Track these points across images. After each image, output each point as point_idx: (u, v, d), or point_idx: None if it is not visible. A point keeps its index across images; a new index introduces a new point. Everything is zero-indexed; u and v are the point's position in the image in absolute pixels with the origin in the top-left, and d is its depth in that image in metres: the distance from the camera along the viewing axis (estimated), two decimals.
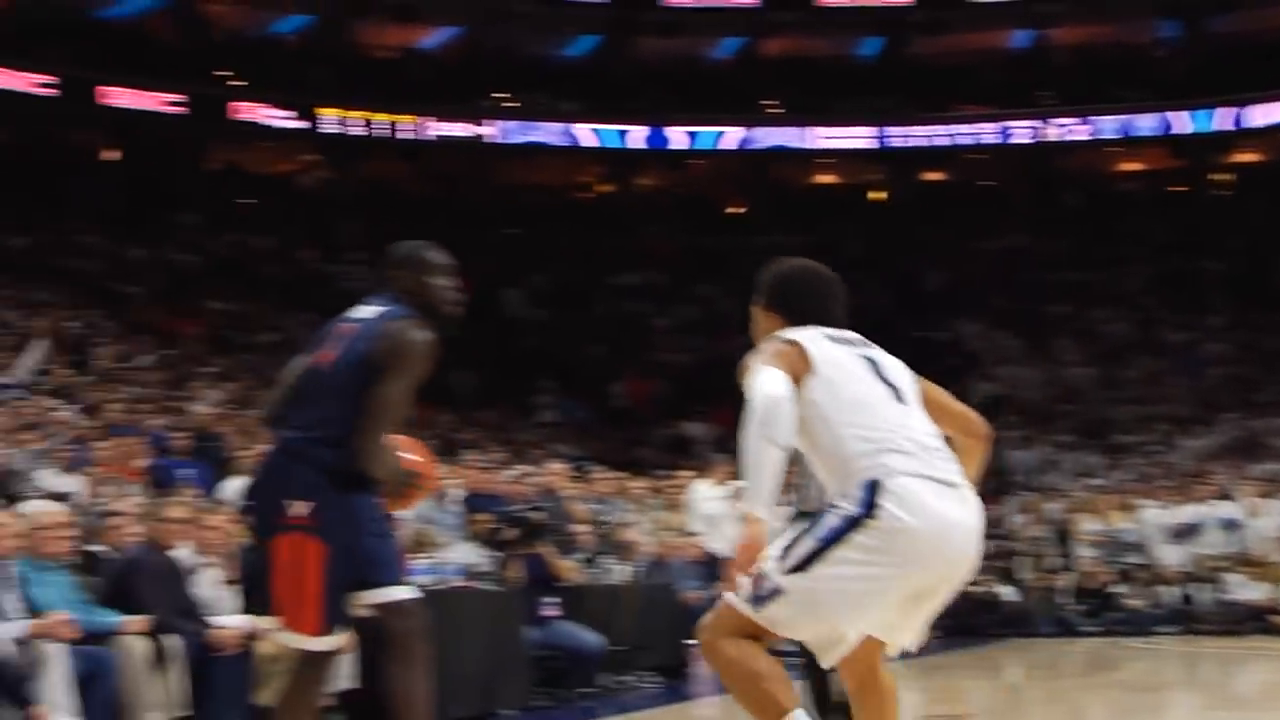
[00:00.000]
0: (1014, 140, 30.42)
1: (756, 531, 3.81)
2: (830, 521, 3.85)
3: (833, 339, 4.14)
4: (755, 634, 3.93)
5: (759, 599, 3.86)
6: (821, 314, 4.24)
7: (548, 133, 29.78)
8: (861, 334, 4.37)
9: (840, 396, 3.98)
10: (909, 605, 3.98)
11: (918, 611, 4.03)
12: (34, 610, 7.28)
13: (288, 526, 4.76)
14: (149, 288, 22.28)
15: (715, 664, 4.00)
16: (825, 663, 4.04)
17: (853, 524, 3.81)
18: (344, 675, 8.48)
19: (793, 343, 4.04)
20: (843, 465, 3.93)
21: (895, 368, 4.18)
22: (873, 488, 3.83)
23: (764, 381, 3.87)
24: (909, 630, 4.08)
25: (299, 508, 4.76)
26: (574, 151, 30.55)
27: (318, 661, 4.97)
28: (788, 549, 3.90)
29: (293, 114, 28.01)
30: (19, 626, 7.03)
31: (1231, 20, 29.82)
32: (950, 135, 30.65)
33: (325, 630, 4.85)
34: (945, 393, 4.33)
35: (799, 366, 3.98)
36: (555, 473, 13.13)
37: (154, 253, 24.05)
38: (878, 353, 4.20)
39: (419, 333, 4.85)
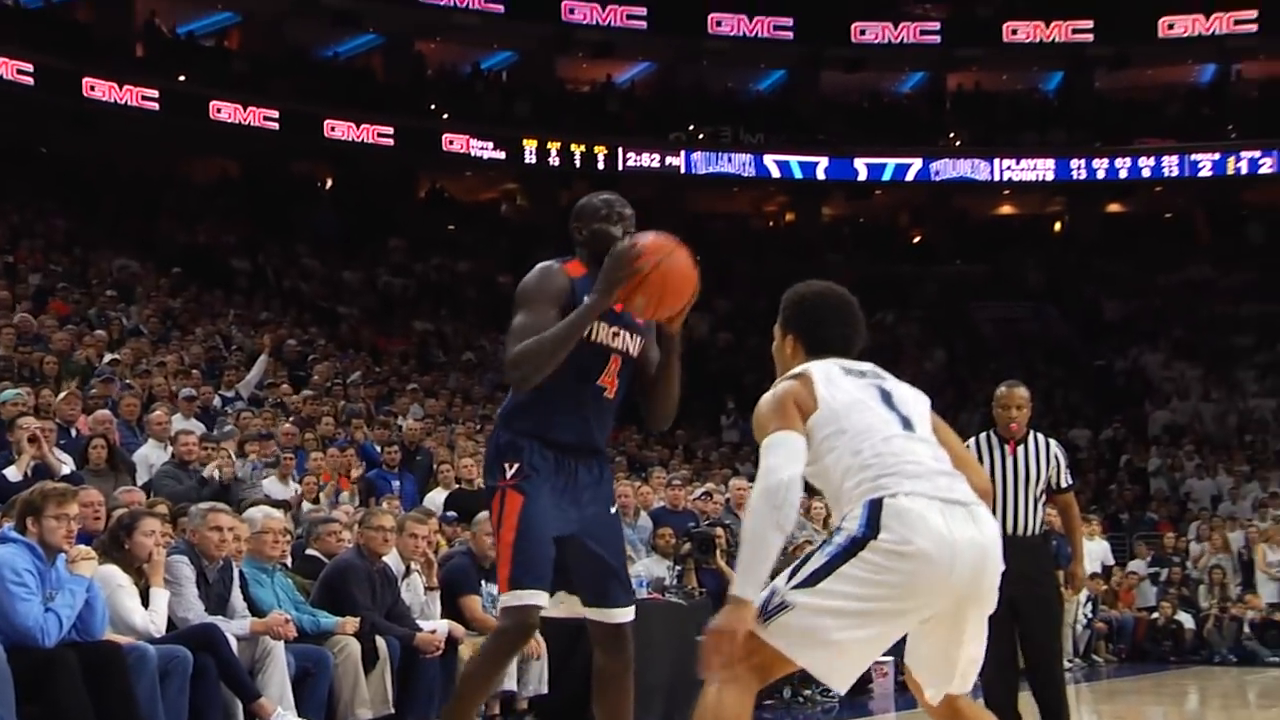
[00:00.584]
0: (1198, 173, 29.59)
1: (741, 617, 3.67)
2: (837, 540, 3.71)
3: (846, 370, 4.00)
4: (768, 664, 3.77)
5: (766, 612, 3.71)
6: (839, 340, 4.11)
7: (736, 163, 29.84)
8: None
9: (843, 427, 3.84)
10: (940, 633, 3.81)
11: (956, 640, 3.84)
12: (255, 609, 7.52)
13: (493, 488, 4.66)
14: (361, 308, 22.83)
15: (705, 699, 3.77)
16: (838, 688, 3.87)
17: (856, 544, 3.66)
18: (534, 679, 8.61)
19: (801, 377, 3.93)
20: (844, 493, 3.80)
21: (910, 398, 4.02)
22: (874, 507, 3.69)
23: (778, 457, 3.75)
24: (956, 664, 3.88)
25: (501, 469, 4.64)
26: (761, 182, 30.58)
27: (507, 619, 4.59)
28: (798, 565, 3.76)
29: (497, 145, 28.51)
30: (243, 624, 7.26)
31: None
32: (1132, 168, 29.88)
33: (515, 584, 4.52)
34: (959, 441, 4.11)
35: (807, 404, 3.86)
36: (739, 490, 13.12)
37: (366, 275, 24.65)
38: (893, 383, 4.04)
39: (540, 267, 4.73)
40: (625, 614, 4.77)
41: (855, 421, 3.85)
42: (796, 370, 3.99)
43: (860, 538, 3.66)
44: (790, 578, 3.74)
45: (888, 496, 3.70)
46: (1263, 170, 29.30)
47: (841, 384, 3.93)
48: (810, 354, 4.08)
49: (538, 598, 4.54)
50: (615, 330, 4.70)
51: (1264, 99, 30.48)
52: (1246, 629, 17.43)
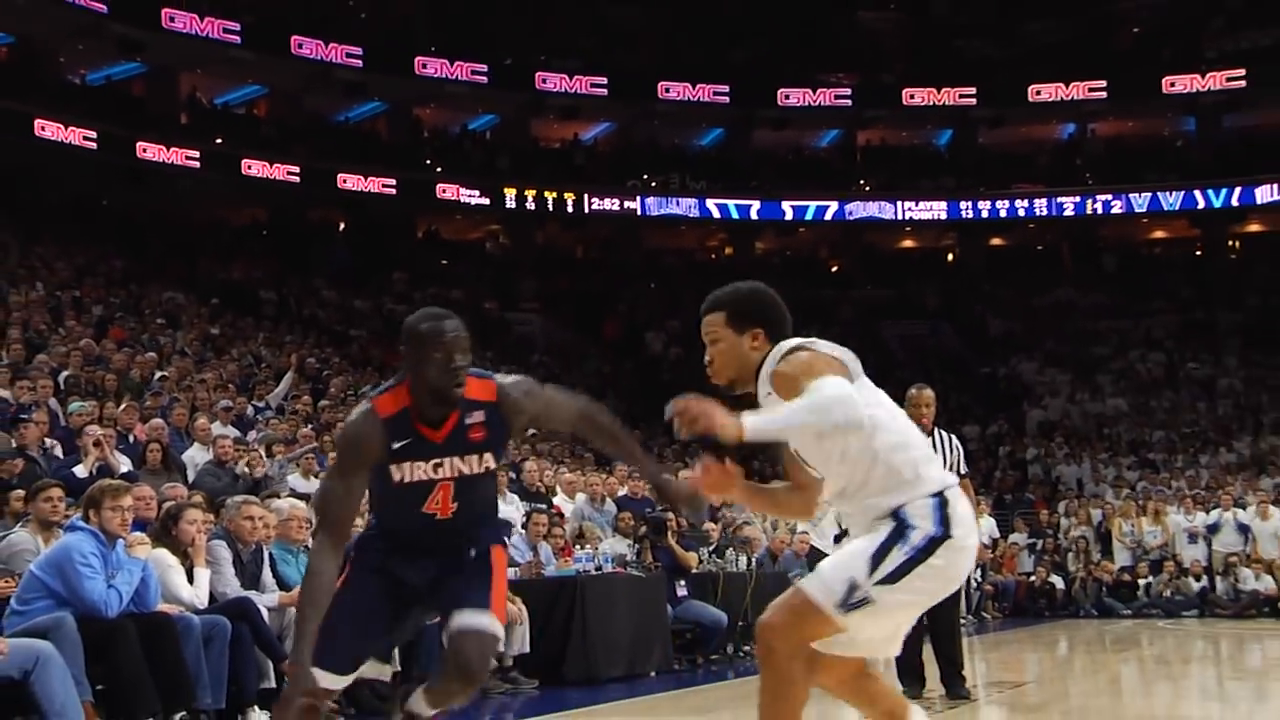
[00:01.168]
0: (1062, 213, 29.96)
1: (730, 428, 3.19)
2: (916, 539, 3.29)
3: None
4: (816, 637, 3.34)
5: (848, 605, 3.27)
6: (790, 328, 3.58)
7: (683, 206, 29.92)
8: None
9: (884, 404, 3.36)
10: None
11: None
12: (282, 584, 7.49)
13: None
14: (369, 331, 22.72)
15: (770, 668, 3.33)
16: (889, 656, 3.54)
17: (935, 542, 3.28)
18: (518, 640, 8.56)
19: (831, 358, 3.35)
20: (891, 466, 3.32)
21: None
22: (942, 507, 3.31)
23: (833, 386, 3.17)
24: (898, 637, 3.54)
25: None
26: (704, 221, 30.64)
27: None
28: (878, 558, 3.29)
29: (482, 193, 28.47)
30: (273, 598, 7.24)
31: (1238, 118, 29.77)
32: (1010, 208, 30.21)
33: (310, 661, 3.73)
34: None
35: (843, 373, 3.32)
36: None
37: (373, 303, 24.54)
38: None
39: (357, 417, 3.85)
40: (470, 615, 3.82)
41: (881, 397, 3.40)
42: (812, 347, 3.41)
43: (939, 537, 3.29)
44: (871, 572, 3.27)
45: (947, 491, 3.35)
46: (1114, 211, 29.79)
47: (853, 364, 3.41)
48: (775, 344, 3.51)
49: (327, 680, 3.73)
50: (437, 462, 3.83)
51: (1112, 152, 30.94)
52: (1105, 589, 17.63)
